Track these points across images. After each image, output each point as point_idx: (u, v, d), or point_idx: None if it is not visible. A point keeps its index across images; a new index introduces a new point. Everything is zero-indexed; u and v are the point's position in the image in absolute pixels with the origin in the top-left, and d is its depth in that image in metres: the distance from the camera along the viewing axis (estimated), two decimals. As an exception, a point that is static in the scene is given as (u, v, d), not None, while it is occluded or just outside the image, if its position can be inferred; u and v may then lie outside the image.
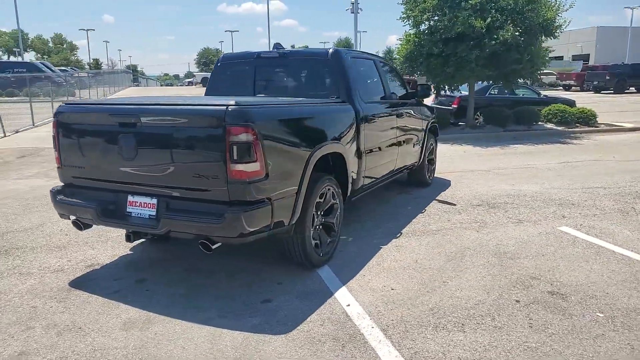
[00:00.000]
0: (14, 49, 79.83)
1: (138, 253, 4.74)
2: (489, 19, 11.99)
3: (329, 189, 4.32)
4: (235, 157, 3.27)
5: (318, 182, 4.10)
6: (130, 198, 3.74)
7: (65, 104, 3.98)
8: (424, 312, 3.51)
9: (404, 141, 6.24)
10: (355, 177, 4.91)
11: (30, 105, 15.88)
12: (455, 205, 6.42)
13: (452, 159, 10.12)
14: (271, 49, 5.34)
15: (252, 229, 3.42)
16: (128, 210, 3.74)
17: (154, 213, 3.63)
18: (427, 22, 13.00)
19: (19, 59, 55.26)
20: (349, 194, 4.81)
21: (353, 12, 24.16)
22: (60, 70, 40.39)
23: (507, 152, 11.01)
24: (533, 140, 12.91)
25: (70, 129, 3.89)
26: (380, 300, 3.69)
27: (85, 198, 3.90)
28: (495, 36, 12.11)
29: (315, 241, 4.18)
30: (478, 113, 14.80)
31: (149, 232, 3.75)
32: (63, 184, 4.10)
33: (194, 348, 3.07)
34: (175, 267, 4.37)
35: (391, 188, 7.25)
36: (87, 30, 78.40)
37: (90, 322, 3.39)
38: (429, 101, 15.32)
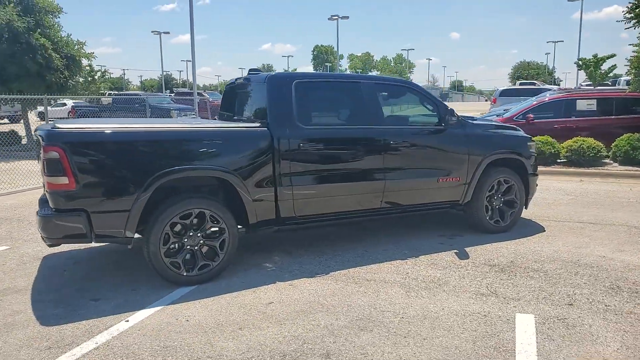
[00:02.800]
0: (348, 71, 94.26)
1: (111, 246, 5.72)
2: None
3: (201, 212, 4.43)
4: (46, 171, 3.97)
5: (175, 204, 4.32)
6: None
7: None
8: (154, 346, 3.42)
9: (406, 174, 5.44)
10: (272, 205, 4.78)
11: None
12: (463, 260, 5.16)
13: (620, 205, 7.63)
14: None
15: (60, 235, 4.06)
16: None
17: None
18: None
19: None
20: (253, 221, 4.73)
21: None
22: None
23: None
24: None
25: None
26: (155, 327, 3.72)
27: None
28: None
29: (172, 259, 4.38)
30: None
31: None
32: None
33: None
34: (103, 261, 5.25)
35: (436, 227, 6.28)
36: (408, 50, 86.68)
37: (-8, 282, 4.66)
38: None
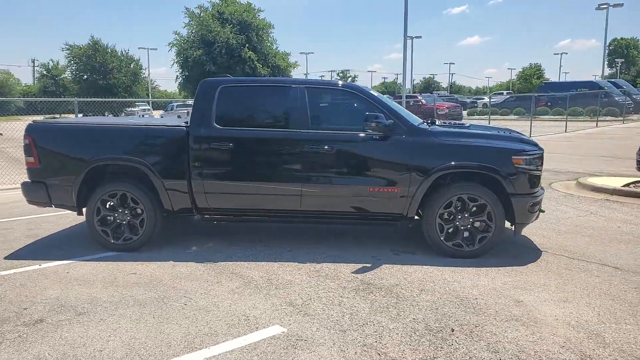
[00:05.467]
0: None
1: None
2: None
3: (124, 194, 5.51)
4: (24, 153, 5.68)
5: (102, 185, 5.53)
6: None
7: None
8: (16, 283, 4.69)
9: (329, 180, 5.38)
10: (186, 195, 5.50)
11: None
12: (351, 274, 4.86)
13: None
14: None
15: (32, 199, 5.72)
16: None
17: None
18: None
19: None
20: (168, 207, 5.55)
21: None
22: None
23: None
24: None
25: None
26: (43, 272, 4.97)
27: None
28: None
29: (103, 228, 5.59)
30: None
31: None
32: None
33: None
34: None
35: (397, 243, 5.85)
36: None
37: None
38: None
